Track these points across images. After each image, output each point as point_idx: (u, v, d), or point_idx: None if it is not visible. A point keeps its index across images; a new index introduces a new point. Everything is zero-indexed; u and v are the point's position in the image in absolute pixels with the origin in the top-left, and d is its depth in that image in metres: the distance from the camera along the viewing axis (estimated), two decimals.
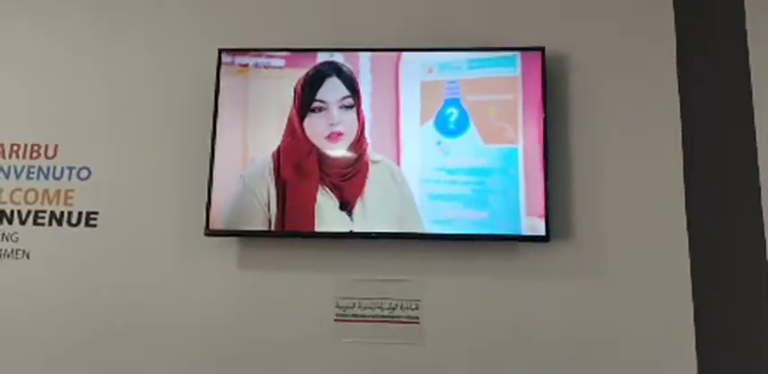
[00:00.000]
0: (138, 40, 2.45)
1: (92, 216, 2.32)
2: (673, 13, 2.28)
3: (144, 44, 2.45)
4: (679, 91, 2.22)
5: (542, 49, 2.19)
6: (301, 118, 2.22)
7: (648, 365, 2.08)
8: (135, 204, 2.32)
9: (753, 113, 2.04)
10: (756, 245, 2.01)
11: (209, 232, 2.18)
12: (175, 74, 2.40)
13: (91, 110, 2.40)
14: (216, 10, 2.45)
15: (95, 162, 2.36)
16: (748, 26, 2.14)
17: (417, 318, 2.16)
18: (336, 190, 2.17)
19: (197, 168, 2.26)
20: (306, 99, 2.22)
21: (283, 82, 2.24)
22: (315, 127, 2.21)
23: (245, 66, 2.27)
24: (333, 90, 2.22)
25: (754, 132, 2.06)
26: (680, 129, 2.20)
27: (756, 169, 2.05)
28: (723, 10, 2.20)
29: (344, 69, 2.23)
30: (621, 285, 2.13)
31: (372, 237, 2.15)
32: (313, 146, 2.21)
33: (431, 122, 2.19)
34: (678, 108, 2.21)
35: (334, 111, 2.21)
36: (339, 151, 2.20)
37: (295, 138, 2.21)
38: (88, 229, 2.31)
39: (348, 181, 2.18)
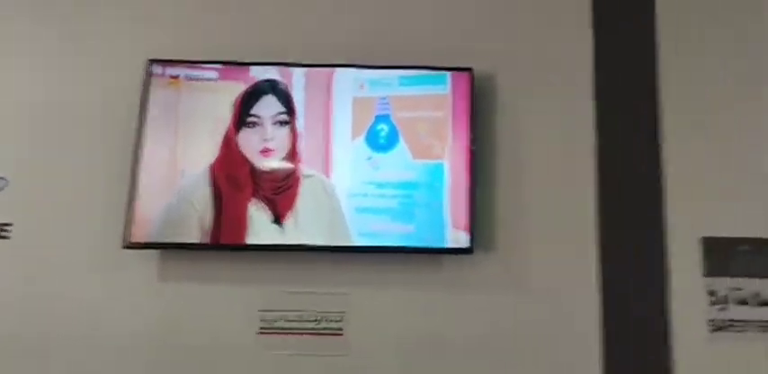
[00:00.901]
0: (61, 43, 2.37)
1: (4, 228, 2.22)
2: (591, 35, 2.41)
3: (66, 48, 2.37)
4: (595, 109, 2.35)
5: (470, 70, 2.27)
6: (236, 131, 2.22)
7: (560, 370, 2.19)
8: (51, 216, 2.23)
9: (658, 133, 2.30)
10: (658, 259, 2.24)
11: (130, 244, 2.13)
12: (100, 81, 2.33)
13: (5, 117, 2.30)
14: (146, 20, 2.40)
15: (10, 172, 2.26)
16: (659, 43, 2.38)
17: (341, 330, 2.18)
18: (270, 203, 2.17)
19: (121, 180, 2.20)
20: (242, 114, 2.22)
21: (217, 95, 2.23)
22: (248, 141, 2.21)
23: (176, 77, 2.24)
24: (267, 106, 2.23)
25: (659, 149, 2.30)
26: (594, 144, 2.33)
27: (660, 188, 2.27)
28: (638, 31, 2.40)
29: (281, 87, 2.25)
30: (540, 295, 2.22)
31: (298, 250, 2.16)
32: (246, 160, 2.20)
33: (362, 138, 2.23)
34: (594, 125, 2.33)
35: (268, 127, 2.22)
36: (271, 165, 2.20)
37: (230, 150, 2.21)
38: (0, 241, 2.21)
39: (281, 194, 2.18)
